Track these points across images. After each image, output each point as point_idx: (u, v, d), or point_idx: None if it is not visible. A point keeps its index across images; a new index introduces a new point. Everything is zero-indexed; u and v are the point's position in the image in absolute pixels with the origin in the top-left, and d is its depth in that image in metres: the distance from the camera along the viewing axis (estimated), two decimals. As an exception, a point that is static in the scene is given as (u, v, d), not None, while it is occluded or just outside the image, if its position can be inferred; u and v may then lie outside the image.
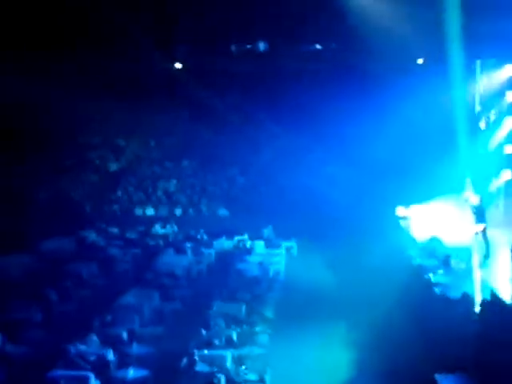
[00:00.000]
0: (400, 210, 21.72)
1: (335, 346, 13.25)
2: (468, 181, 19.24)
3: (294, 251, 20.78)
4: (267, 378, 12.20)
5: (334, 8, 20.32)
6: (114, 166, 27.35)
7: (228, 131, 24.70)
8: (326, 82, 23.08)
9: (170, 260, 19.07)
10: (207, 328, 13.97)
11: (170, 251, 20.28)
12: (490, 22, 20.43)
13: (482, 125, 23.43)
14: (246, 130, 24.82)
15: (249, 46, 23.48)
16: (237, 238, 20.83)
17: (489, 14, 20.11)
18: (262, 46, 23.73)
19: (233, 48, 23.38)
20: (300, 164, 24.02)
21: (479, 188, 20.19)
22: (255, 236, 21.27)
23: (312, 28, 21.68)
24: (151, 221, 23.81)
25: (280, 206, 23.26)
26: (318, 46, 23.53)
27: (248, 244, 20.61)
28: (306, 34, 22.31)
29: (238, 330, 14.20)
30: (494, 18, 20.28)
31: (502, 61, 22.61)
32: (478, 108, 23.45)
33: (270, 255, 19.76)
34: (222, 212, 24.15)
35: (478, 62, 23.02)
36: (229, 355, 12.89)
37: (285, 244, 20.83)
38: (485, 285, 13.64)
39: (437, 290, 13.96)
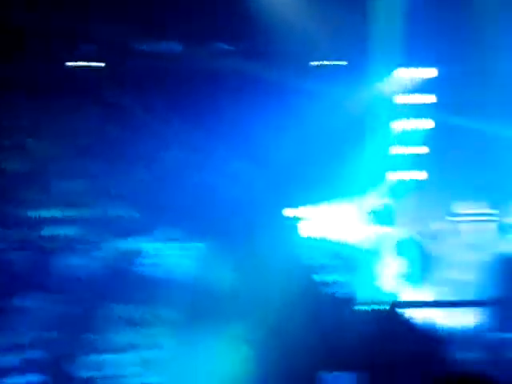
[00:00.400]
0: (300, 210, 22.02)
1: (234, 346, 13.32)
2: (368, 182, 19.79)
3: (197, 252, 20.73)
4: (166, 380, 12.16)
5: (246, 8, 20.45)
6: (19, 167, 26.61)
7: (135, 129, 24.43)
8: (235, 82, 23.12)
9: (70, 262, 18.67)
10: (105, 331, 13.78)
11: (71, 253, 19.85)
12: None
13: (378, 127, 24.06)
14: (153, 127, 24.61)
15: (160, 46, 23.34)
16: (138, 238, 20.58)
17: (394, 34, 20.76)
18: (173, 45, 23.62)
19: (145, 47, 23.18)
20: (204, 162, 23.99)
21: (375, 188, 20.82)
22: (160, 236, 21.09)
23: (224, 28, 21.72)
24: (54, 222, 23.25)
25: (185, 205, 23.13)
26: (228, 47, 23.63)
27: (149, 245, 20.41)
28: (218, 34, 22.33)
29: (137, 332, 14.08)
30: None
31: (393, 64, 23.27)
32: (374, 110, 24.04)
33: (172, 256, 19.64)
34: (125, 212, 23.80)
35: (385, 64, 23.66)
36: (127, 359, 12.75)
37: (187, 245, 20.75)
38: (378, 283, 14.04)
39: (331, 290, 14.27)
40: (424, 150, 23.36)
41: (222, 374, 12.23)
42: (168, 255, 19.78)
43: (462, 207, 21.17)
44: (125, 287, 16.44)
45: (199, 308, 14.72)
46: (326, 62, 23.21)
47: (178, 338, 13.86)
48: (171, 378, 12.25)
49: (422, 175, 23.10)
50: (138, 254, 19.92)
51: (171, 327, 14.67)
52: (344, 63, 22.79)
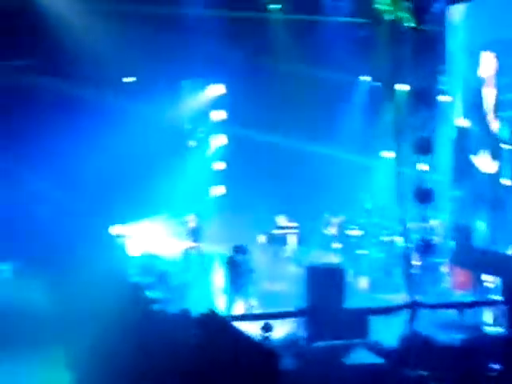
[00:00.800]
0: (115, 228, 21.67)
1: (54, 369, 12.79)
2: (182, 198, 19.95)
3: (8, 274, 19.74)
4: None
5: (38, 22, 19.78)
6: None
7: None
8: (34, 99, 22.26)
9: None
10: None
11: None
12: (194, 43, 21.38)
13: (193, 143, 24.35)
14: None
15: None
16: None
17: (194, 37, 21.03)
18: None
19: None
20: (9, 182, 22.85)
21: (192, 205, 21.00)
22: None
23: (23, 44, 20.86)
24: None
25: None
26: (23, 62, 22.75)
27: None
28: (16, 50, 21.43)
29: None
30: (198, 39, 21.26)
31: (206, 81, 23.71)
32: (186, 127, 24.31)
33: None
34: None
35: (185, 82, 23.93)
36: None
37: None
38: (202, 299, 14.14)
39: (155, 306, 14.16)
40: (223, 165, 24.21)
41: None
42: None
43: (274, 221, 22.02)
44: None
45: (14, 333, 13.99)
46: (129, 79, 23.19)
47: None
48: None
49: (223, 190, 23.84)
50: None
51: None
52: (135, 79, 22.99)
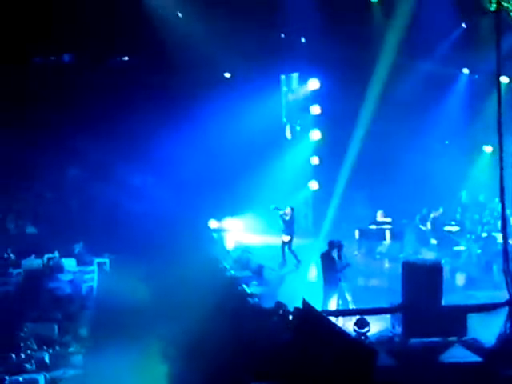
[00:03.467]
0: (212, 223, 22.08)
1: (152, 360, 13.17)
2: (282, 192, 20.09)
3: (107, 267, 20.42)
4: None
5: (141, 21, 20.33)
6: None
7: (33, 147, 23.75)
8: (137, 95, 22.93)
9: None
10: (18, 351, 13.38)
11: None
12: (292, 36, 21.46)
13: (289, 136, 24.48)
14: (51, 143, 24.01)
15: (53, 58, 22.90)
16: (46, 255, 20.06)
17: (291, 30, 21.12)
18: (66, 57, 23.17)
19: (36, 60, 22.68)
20: (109, 176, 23.65)
21: (289, 199, 21.09)
22: (65, 253, 20.62)
23: (120, 41, 21.50)
24: None
25: (90, 221, 22.75)
26: (126, 59, 23.41)
27: (58, 261, 19.93)
28: (114, 47, 22.09)
29: (51, 351, 13.74)
30: (296, 33, 21.34)
31: (305, 76, 23.75)
32: (288, 121, 24.46)
33: (82, 272, 19.27)
34: (30, 229, 23.19)
35: (283, 77, 24.05)
36: (41, 378, 12.41)
37: (97, 260, 20.41)
38: (297, 293, 14.21)
39: (251, 300, 14.37)
40: (317, 160, 24.15)
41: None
42: (78, 272, 19.45)
43: (370, 216, 21.86)
44: (36, 305, 16.05)
45: (115, 325, 14.50)
46: (227, 75, 23.52)
47: (94, 357, 13.58)
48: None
49: (316, 185, 23.81)
50: (45, 271, 19.45)
51: (85, 345, 14.38)
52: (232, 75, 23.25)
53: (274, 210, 19.77)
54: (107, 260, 20.69)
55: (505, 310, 13.65)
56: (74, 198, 24.64)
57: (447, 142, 24.53)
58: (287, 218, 19.67)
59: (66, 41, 21.95)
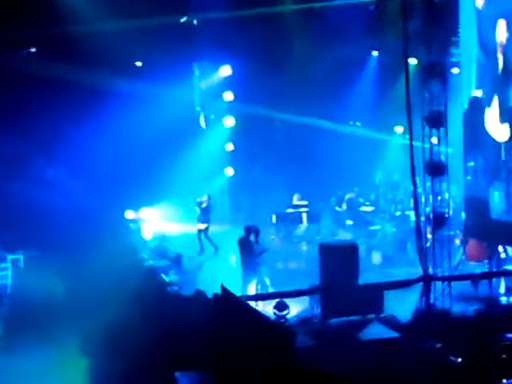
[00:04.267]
0: (129, 213, 21.79)
1: (71, 357, 12.88)
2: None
3: (21, 264, 19.88)
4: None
5: (46, 10, 19.77)
6: None
7: None
8: (47, 87, 22.32)
9: None
10: None
11: None
12: (208, 26, 21.31)
13: (203, 124, 24.36)
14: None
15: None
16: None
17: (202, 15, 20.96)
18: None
19: None
20: (19, 171, 22.99)
21: (205, 186, 21.01)
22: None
23: (24, 31, 20.86)
24: None
25: (2, 217, 22.06)
26: (33, 50, 22.79)
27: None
28: (18, 38, 21.43)
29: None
30: (204, 22, 21.20)
31: (217, 63, 23.65)
32: (200, 109, 24.31)
33: (-4, 268, 18.71)
34: None
35: (195, 65, 23.87)
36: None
37: (10, 257, 19.83)
38: (216, 279, 14.17)
39: (170, 289, 14.26)
40: (232, 147, 24.18)
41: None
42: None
43: (286, 200, 22.00)
44: None
45: (31, 323, 14.12)
46: (137, 64, 23.17)
47: (8, 356, 13.17)
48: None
49: (232, 171, 23.84)
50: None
51: (0, 344, 13.94)
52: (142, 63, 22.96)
53: (194, 201, 19.80)
54: (21, 256, 20.14)
55: (419, 286, 14.03)
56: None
57: (359, 124, 24.90)
58: (204, 205, 19.66)
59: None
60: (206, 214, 19.57)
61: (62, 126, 21.87)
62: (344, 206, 21.57)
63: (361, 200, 21.68)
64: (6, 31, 20.12)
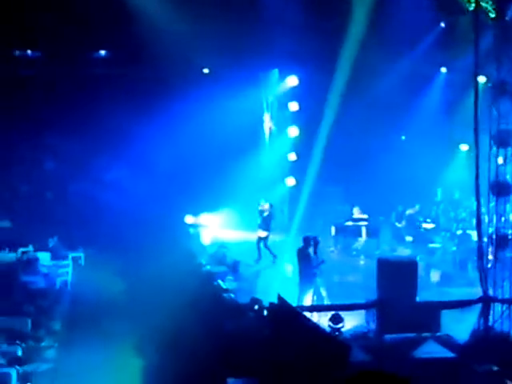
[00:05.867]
0: (189, 218, 22.01)
1: (127, 356, 13.09)
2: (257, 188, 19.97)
3: (82, 261, 20.30)
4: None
5: (118, 13, 20.13)
6: None
7: (7, 141, 23.50)
8: (113, 89, 22.75)
9: None
10: (-10, 345, 13.21)
11: None
12: (270, 36, 21.38)
13: (267, 133, 24.50)
14: (27, 137, 23.79)
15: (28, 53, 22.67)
16: (21, 249, 19.86)
17: (268, 29, 21.05)
18: (35, 52, 22.92)
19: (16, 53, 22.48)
20: (84, 170, 23.50)
21: (267, 195, 21.06)
22: (40, 247, 20.44)
23: (96, 33, 21.28)
24: None
25: (65, 215, 22.57)
26: (103, 53, 23.23)
27: (33, 255, 19.76)
28: (90, 40, 21.87)
29: (24, 345, 13.57)
30: (273, 33, 21.26)
31: (284, 73, 23.75)
32: (266, 118, 24.45)
33: (57, 266, 19.11)
34: (4, 223, 22.92)
35: (263, 74, 24.00)
36: (14, 373, 12.23)
37: (71, 254, 20.27)
38: (272, 288, 14.22)
39: (227, 295, 14.34)
40: (295, 156, 24.19)
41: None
42: (52, 266, 19.28)
43: (347, 212, 21.90)
44: (9, 299, 15.86)
45: (89, 320, 14.40)
46: (206, 71, 23.42)
47: (67, 351, 13.45)
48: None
49: (293, 181, 23.84)
50: (19, 264, 19.24)
51: (59, 340, 14.25)
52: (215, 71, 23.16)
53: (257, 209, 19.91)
54: (82, 254, 20.56)
55: (478, 307, 13.78)
56: (49, 191, 24.44)
57: (403, 138, 24.58)
58: (265, 213, 19.71)
59: (34, 35, 21.59)
60: (267, 223, 19.57)
61: (125, 128, 22.27)
62: (404, 222, 21.36)
63: (420, 218, 21.44)
64: (76, 32, 20.64)
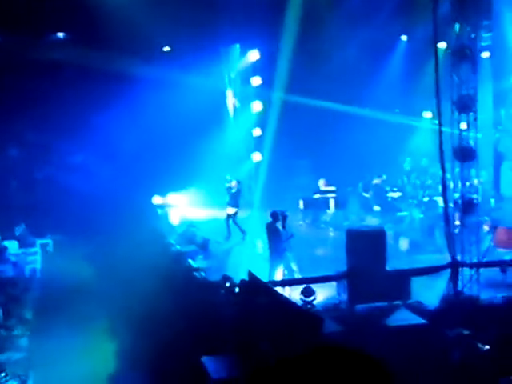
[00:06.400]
0: (156, 199, 21.91)
1: (99, 339, 13.04)
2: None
3: (50, 248, 20.12)
4: (30, 382, 11.71)
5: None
6: None
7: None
8: (74, 73, 22.42)
9: None
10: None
11: None
12: (229, 11, 21.20)
13: (231, 110, 24.37)
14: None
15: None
16: (-9, 238, 19.63)
17: (227, 3, 20.87)
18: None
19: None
20: (49, 156, 23.22)
21: (233, 172, 21.01)
22: (7, 235, 20.22)
23: (53, 15, 20.91)
24: None
25: (31, 202, 22.32)
26: (61, 35, 22.86)
27: (0, 244, 19.54)
28: (48, 22, 21.49)
29: (-4, 335, 13.48)
30: (233, 7, 21.07)
31: (245, 48, 23.60)
32: (229, 94, 24.31)
33: (25, 254, 18.94)
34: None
35: (224, 50, 23.82)
36: (-11, 363, 12.14)
37: (39, 241, 20.09)
38: (243, 265, 14.22)
39: (197, 274, 14.34)
40: (259, 131, 24.13)
41: (90, 368, 11.92)
42: (21, 254, 19.09)
43: (313, 185, 21.94)
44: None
45: (61, 306, 14.29)
46: (166, 49, 23.16)
47: (40, 339, 13.36)
48: (38, 379, 11.80)
49: (259, 156, 23.83)
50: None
51: (31, 328, 14.14)
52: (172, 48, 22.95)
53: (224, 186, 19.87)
54: (50, 241, 20.40)
55: (447, 273, 13.94)
56: (14, 179, 24.12)
57: (397, 111, 24.74)
58: (233, 190, 19.68)
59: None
60: (235, 199, 19.55)
61: (88, 112, 21.98)
62: (371, 193, 21.48)
63: (387, 188, 21.56)
64: (31, 16, 20.25)
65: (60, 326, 13.19)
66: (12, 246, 19.28)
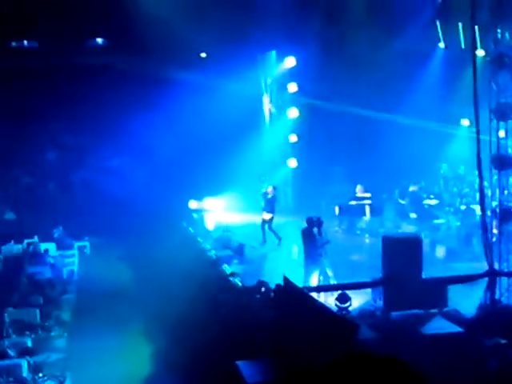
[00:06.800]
0: (192, 203, 22.04)
1: (135, 341, 13.18)
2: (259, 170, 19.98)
3: (88, 250, 20.36)
4: (67, 383, 11.86)
5: (111, 1, 20.06)
6: None
7: (8, 132, 23.50)
8: (111, 78, 22.73)
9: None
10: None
11: None
12: (266, 18, 21.29)
13: (267, 116, 24.47)
14: (27, 129, 23.79)
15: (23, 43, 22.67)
16: (26, 241, 19.95)
17: (265, 10, 20.95)
18: (32, 42, 22.90)
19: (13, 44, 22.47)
20: (86, 160, 23.53)
21: (269, 178, 21.07)
22: (45, 238, 20.54)
23: (92, 21, 21.22)
24: None
25: (68, 205, 22.65)
26: (99, 41, 23.19)
27: (38, 246, 19.85)
28: (86, 28, 21.80)
29: (33, 336, 13.68)
30: (270, 14, 21.15)
31: (282, 54, 23.67)
32: (265, 100, 24.40)
33: (63, 256, 19.19)
34: (9, 215, 23.03)
35: (261, 56, 23.92)
36: (25, 364, 12.32)
37: (77, 244, 20.34)
38: (278, 270, 14.24)
39: (233, 279, 14.39)
40: (296, 138, 24.15)
41: (126, 370, 12.05)
42: (58, 256, 19.35)
43: (350, 192, 21.87)
44: (17, 291, 15.96)
45: (98, 308, 14.47)
46: (203, 55, 23.35)
47: (77, 340, 13.55)
48: (75, 380, 11.96)
49: (295, 163, 23.84)
50: (25, 256, 19.33)
51: (68, 329, 14.33)
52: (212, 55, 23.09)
53: (260, 179, 19.93)
54: (87, 243, 20.64)
55: (484, 281, 13.80)
56: (52, 182, 24.50)
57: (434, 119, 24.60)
58: (269, 196, 19.71)
59: (30, 26, 21.54)
60: (271, 205, 19.57)
61: (125, 116, 22.24)
62: (407, 199, 21.35)
63: (424, 195, 21.42)
64: (71, 22, 20.56)
65: (97, 327, 13.36)
66: (50, 248, 19.56)
